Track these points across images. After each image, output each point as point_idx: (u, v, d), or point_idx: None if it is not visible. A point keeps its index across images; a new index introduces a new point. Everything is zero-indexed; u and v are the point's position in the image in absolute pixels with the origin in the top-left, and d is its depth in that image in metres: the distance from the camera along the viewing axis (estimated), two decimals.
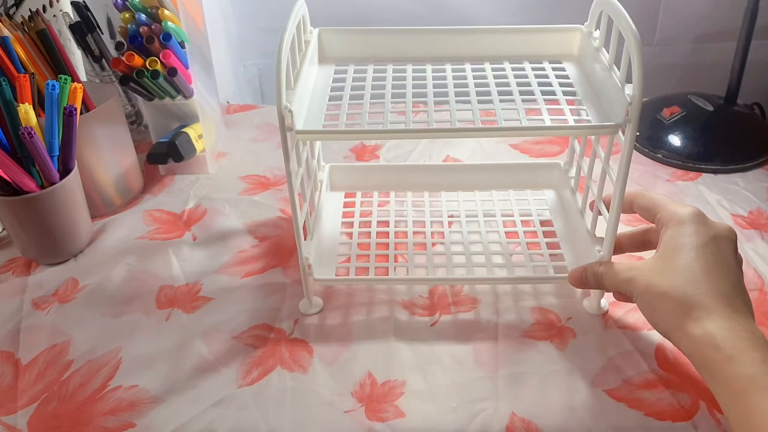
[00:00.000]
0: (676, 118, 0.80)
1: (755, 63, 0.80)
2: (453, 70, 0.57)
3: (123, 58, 0.67)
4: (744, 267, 0.60)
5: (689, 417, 0.47)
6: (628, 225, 0.67)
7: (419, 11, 0.98)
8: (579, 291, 0.59)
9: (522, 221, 0.66)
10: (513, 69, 0.57)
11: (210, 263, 0.64)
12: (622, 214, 0.52)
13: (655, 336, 0.54)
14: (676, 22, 0.97)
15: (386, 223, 0.66)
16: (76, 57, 0.84)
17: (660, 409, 0.48)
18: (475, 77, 0.56)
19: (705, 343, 0.41)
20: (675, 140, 0.78)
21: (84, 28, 0.80)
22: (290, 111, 0.46)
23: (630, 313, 0.56)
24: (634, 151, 0.80)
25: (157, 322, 0.57)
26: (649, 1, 0.95)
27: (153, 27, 0.69)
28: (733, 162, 0.76)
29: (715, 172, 0.76)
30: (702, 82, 0.90)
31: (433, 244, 0.63)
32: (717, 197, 0.71)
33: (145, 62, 0.69)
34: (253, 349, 0.54)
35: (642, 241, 0.55)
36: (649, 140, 0.80)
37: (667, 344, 0.53)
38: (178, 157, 0.73)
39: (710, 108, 0.80)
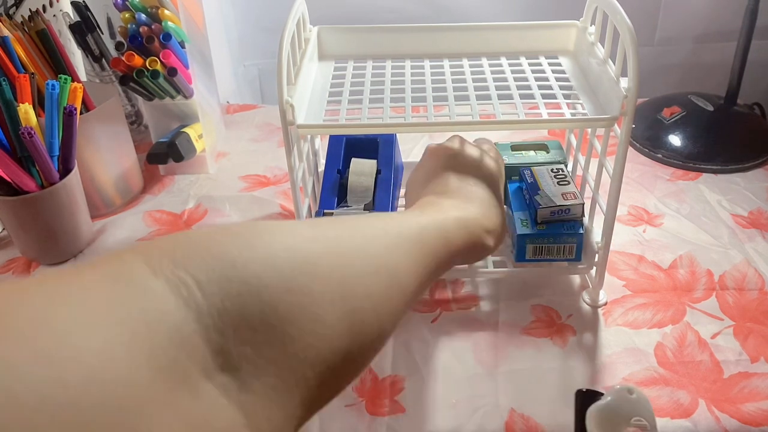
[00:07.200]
0: (676, 118, 0.80)
1: (755, 63, 0.80)
2: (451, 66, 0.57)
3: (123, 58, 0.67)
4: (744, 267, 0.61)
5: (688, 414, 0.47)
6: (625, 223, 0.67)
7: (417, 11, 0.98)
8: (579, 287, 0.59)
9: None
10: (510, 64, 0.57)
11: None
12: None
13: (655, 334, 0.54)
14: (676, 22, 0.97)
15: None
16: (76, 57, 0.84)
17: (659, 407, 0.48)
18: (472, 72, 0.56)
19: None
20: (675, 140, 0.78)
21: (84, 28, 0.80)
22: (291, 105, 0.46)
23: (630, 311, 0.56)
24: (635, 151, 0.80)
25: None
26: (649, 0, 0.95)
27: (153, 27, 0.69)
28: (733, 162, 0.76)
29: (715, 172, 0.76)
30: (702, 82, 0.90)
31: None
32: (717, 197, 0.71)
33: (145, 62, 0.69)
34: None
35: None
36: (650, 140, 0.80)
37: (667, 342, 0.53)
38: (178, 157, 0.73)
39: (710, 108, 0.80)
